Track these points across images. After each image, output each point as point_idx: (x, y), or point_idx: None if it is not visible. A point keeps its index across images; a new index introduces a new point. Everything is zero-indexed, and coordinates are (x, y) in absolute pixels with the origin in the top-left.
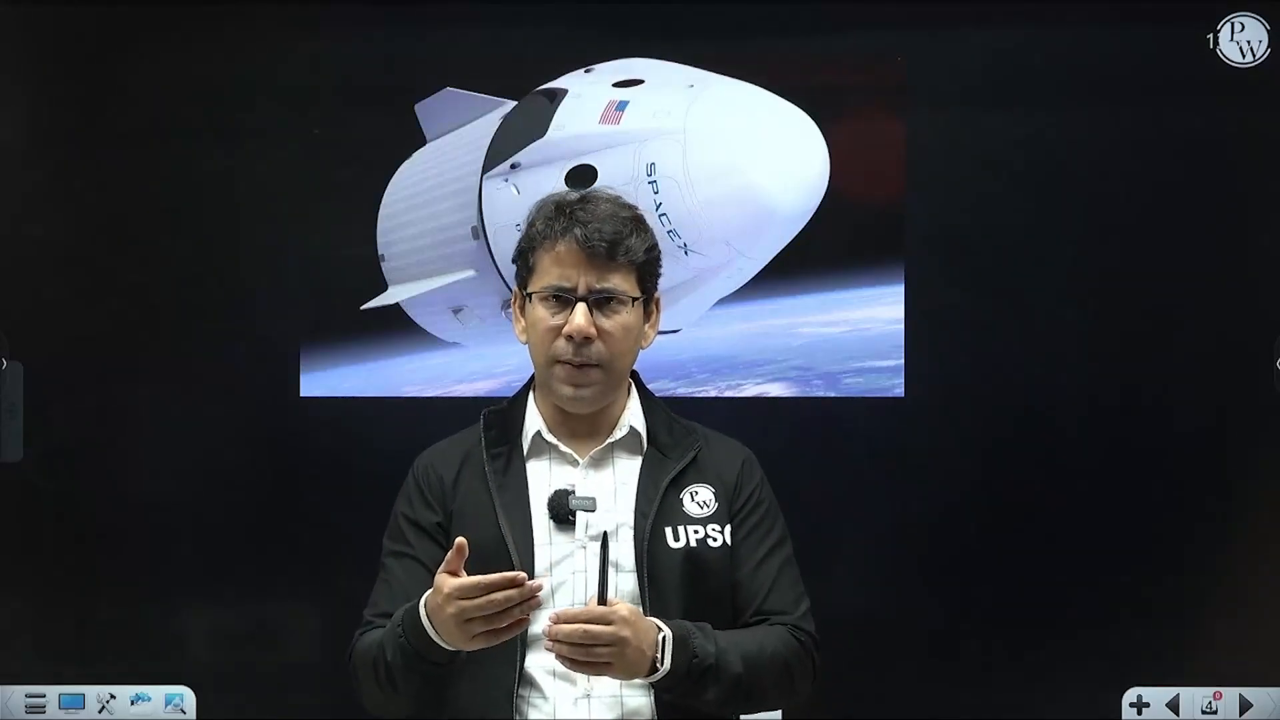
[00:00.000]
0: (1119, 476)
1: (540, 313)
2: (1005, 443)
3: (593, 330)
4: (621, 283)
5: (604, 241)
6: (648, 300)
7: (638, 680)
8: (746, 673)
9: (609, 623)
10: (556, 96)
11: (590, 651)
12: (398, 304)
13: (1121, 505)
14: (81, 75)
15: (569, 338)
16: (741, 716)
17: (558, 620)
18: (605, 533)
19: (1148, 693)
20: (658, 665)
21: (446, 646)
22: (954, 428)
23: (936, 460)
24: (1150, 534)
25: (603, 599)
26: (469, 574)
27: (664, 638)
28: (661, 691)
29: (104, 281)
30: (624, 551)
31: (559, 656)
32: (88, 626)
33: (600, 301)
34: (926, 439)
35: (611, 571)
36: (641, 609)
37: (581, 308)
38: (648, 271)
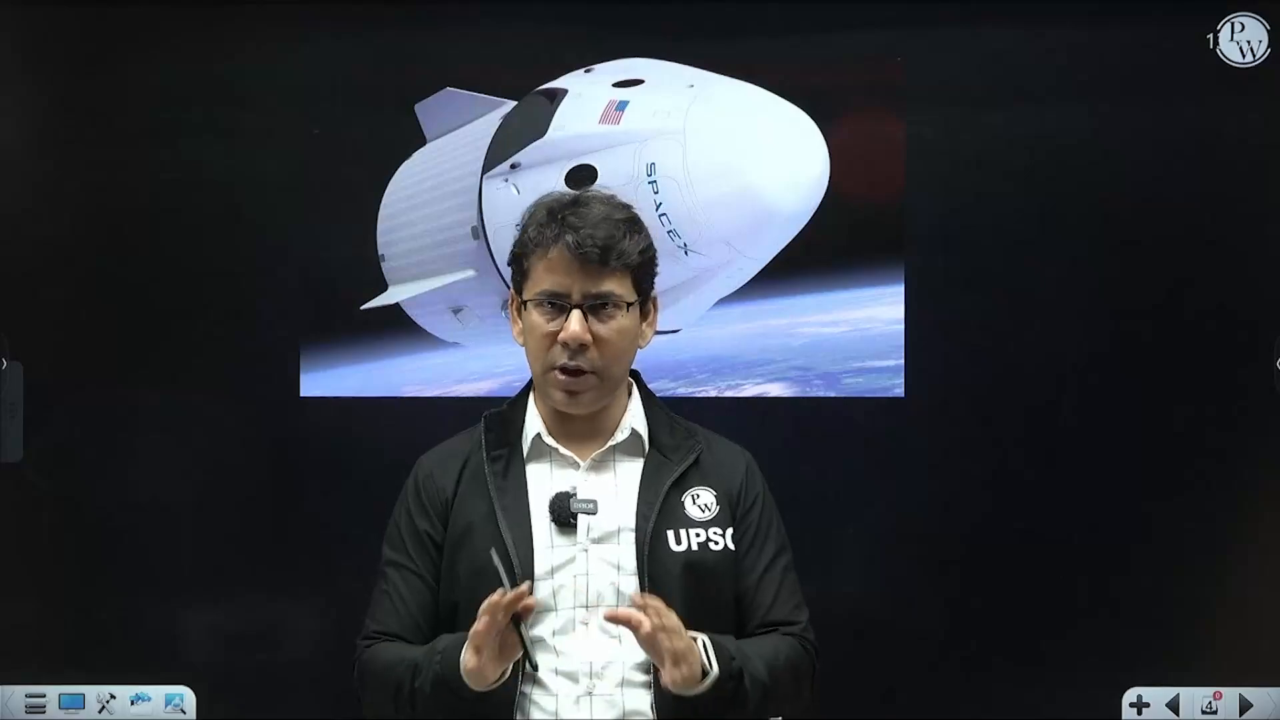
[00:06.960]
0: (1119, 476)
1: (535, 319)
2: (1005, 442)
3: (588, 337)
4: (616, 287)
5: (596, 247)
6: (644, 301)
7: (686, 690)
8: (770, 681)
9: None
10: (556, 96)
11: (672, 637)
12: (398, 304)
13: (1121, 505)
14: (81, 75)
15: (564, 344)
16: None
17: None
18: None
19: (1148, 693)
20: (707, 667)
21: (474, 687)
22: (954, 428)
23: (936, 460)
24: (1150, 534)
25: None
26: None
27: (701, 640)
28: (703, 707)
29: (104, 282)
30: (626, 555)
31: (651, 645)
32: (88, 626)
33: (595, 307)
34: (926, 439)
35: (613, 573)
36: None
37: (576, 315)
38: (643, 273)
